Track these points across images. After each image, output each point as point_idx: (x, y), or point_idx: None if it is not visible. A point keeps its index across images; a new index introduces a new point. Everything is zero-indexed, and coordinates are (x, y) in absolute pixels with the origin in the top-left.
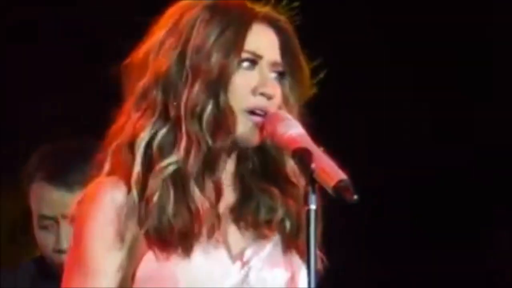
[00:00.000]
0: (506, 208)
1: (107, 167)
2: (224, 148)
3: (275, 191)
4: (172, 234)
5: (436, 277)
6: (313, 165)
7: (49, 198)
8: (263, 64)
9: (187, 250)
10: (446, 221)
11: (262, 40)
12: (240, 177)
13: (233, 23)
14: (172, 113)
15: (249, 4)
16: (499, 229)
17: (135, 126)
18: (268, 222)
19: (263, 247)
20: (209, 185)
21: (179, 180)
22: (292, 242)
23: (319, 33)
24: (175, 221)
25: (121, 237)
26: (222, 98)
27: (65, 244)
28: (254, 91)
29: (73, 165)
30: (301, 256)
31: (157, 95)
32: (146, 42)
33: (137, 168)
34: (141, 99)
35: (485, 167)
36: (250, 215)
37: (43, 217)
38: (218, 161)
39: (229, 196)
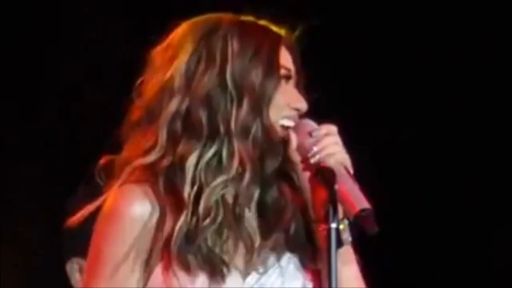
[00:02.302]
0: None
1: (123, 179)
2: (275, 166)
3: (284, 188)
4: (210, 256)
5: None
6: (336, 187)
7: None
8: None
9: (219, 276)
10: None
11: (287, 57)
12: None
13: (266, 40)
14: (221, 133)
15: (268, 25)
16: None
17: (183, 148)
18: (280, 222)
19: (278, 257)
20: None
21: (230, 201)
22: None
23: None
24: (216, 243)
25: (142, 249)
26: (265, 115)
27: None
28: (289, 105)
29: None
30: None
31: (201, 116)
32: (162, 64)
33: (188, 187)
34: (176, 120)
35: None
36: (264, 222)
37: None
38: (271, 181)
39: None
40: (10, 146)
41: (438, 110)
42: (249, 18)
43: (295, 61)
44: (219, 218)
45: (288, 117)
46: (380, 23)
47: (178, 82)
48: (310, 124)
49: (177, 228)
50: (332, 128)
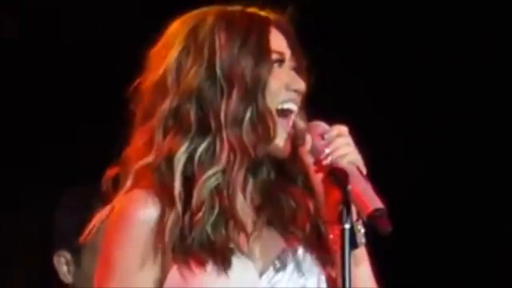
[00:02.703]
0: None
1: (128, 185)
2: (265, 153)
3: (295, 190)
4: (215, 247)
5: None
6: (349, 187)
7: None
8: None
9: (226, 264)
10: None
11: (280, 41)
12: (260, 185)
13: (253, 28)
14: (212, 126)
15: (254, 10)
16: None
17: (170, 144)
18: (293, 221)
19: (294, 252)
20: (252, 194)
21: (224, 190)
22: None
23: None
24: (218, 233)
25: (154, 252)
26: (260, 102)
27: None
28: (287, 87)
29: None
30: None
31: (190, 112)
32: (156, 63)
33: (178, 183)
34: (168, 118)
35: None
36: (276, 218)
37: None
38: (261, 168)
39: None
40: None
41: (439, 110)
42: (236, 7)
43: (290, 43)
44: (216, 209)
45: (287, 101)
46: (380, 23)
47: (169, 79)
48: (321, 125)
49: (168, 225)
50: (343, 129)
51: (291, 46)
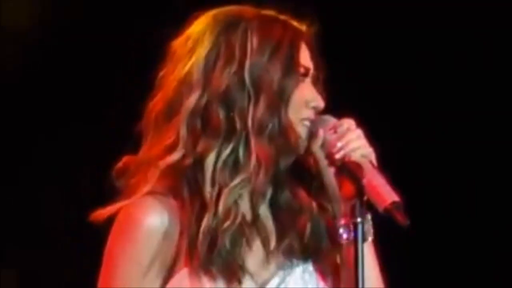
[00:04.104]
0: None
1: (148, 186)
2: (289, 164)
3: (302, 194)
4: (228, 261)
5: None
6: (364, 181)
7: None
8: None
9: (235, 281)
10: None
11: (306, 54)
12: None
13: (286, 38)
14: (237, 131)
15: (287, 18)
16: None
17: (201, 145)
18: (293, 226)
19: (292, 271)
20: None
21: (248, 200)
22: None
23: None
24: (236, 246)
25: (161, 263)
26: (283, 114)
27: None
28: (307, 104)
29: None
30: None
31: (219, 113)
32: (181, 58)
33: (208, 188)
34: (195, 116)
35: None
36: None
37: None
38: (285, 179)
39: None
40: None
41: (439, 110)
42: (270, 12)
43: (313, 58)
44: (238, 219)
45: (306, 118)
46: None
47: (196, 76)
48: (332, 119)
49: (201, 230)
50: (352, 122)
51: (314, 59)
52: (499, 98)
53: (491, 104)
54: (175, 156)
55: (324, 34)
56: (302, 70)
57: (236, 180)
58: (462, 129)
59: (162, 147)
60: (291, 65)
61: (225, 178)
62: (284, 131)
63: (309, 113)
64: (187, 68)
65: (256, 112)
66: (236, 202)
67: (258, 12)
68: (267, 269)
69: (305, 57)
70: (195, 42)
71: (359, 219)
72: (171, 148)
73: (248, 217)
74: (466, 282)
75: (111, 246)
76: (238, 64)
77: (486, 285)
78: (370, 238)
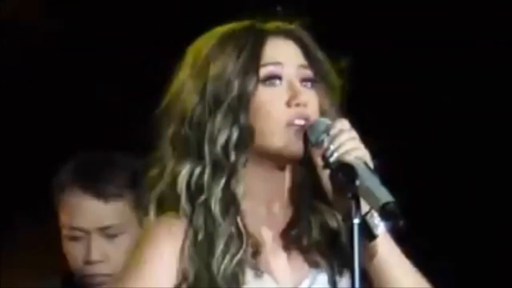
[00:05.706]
0: None
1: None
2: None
3: (324, 207)
4: (221, 272)
5: None
6: (357, 182)
7: (84, 209)
8: (290, 75)
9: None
10: None
11: (280, 50)
12: (292, 195)
13: (246, 44)
14: (205, 149)
15: (258, 23)
16: None
17: (174, 169)
18: (319, 244)
19: (315, 279)
20: (259, 211)
21: (222, 213)
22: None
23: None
24: (222, 258)
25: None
26: (242, 119)
27: (95, 255)
28: (288, 104)
29: (110, 177)
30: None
31: (187, 135)
32: (169, 87)
33: (184, 205)
34: (172, 142)
35: None
36: (302, 238)
37: (74, 228)
38: (259, 185)
39: (279, 219)
40: None
41: (439, 110)
42: (244, 22)
43: (306, 53)
44: (210, 230)
45: (293, 118)
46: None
47: (172, 106)
48: (324, 121)
49: (186, 247)
50: (345, 122)
51: (306, 55)
52: (499, 98)
53: (491, 104)
54: (161, 186)
55: (324, 34)
56: (266, 71)
57: (203, 197)
58: (462, 129)
59: (154, 176)
60: (249, 70)
61: (197, 196)
62: (242, 138)
63: (296, 111)
64: (168, 97)
65: (213, 127)
66: (208, 217)
67: (226, 29)
68: (289, 275)
69: (275, 56)
70: (178, 70)
71: (356, 221)
72: (159, 177)
73: (216, 225)
74: (466, 282)
75: (138, 251)
76: (203, 84)
77: (486, 285)
78: (380, 232)
